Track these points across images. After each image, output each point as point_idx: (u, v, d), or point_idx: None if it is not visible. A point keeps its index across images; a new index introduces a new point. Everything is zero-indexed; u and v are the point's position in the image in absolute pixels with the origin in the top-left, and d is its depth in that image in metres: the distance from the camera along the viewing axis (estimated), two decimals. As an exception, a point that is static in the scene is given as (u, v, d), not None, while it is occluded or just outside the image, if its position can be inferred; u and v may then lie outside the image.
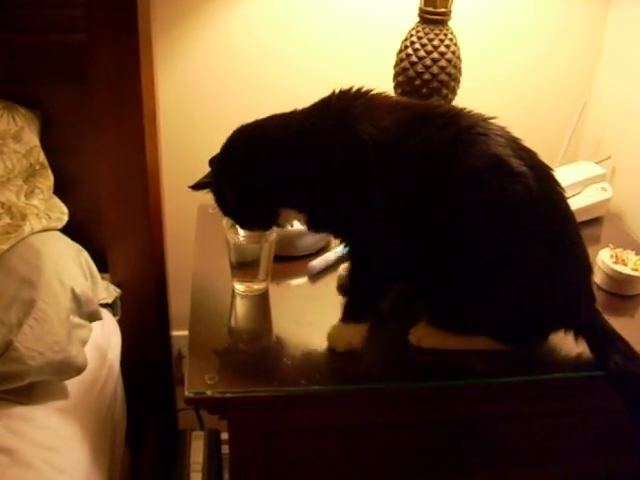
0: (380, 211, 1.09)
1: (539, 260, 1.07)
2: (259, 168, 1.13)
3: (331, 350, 1.17)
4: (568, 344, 1.15)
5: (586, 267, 1.13)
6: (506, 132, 1.11)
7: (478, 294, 1.09)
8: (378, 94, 1.15)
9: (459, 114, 1.12)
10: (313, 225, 1.17)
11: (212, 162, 1.19)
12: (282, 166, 1.12)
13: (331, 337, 1.17)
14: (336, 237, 1.20)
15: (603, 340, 1.12)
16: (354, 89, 1.14)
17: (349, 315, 1.17)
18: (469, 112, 1.13)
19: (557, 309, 1.12)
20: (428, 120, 1.09)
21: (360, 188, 1.09)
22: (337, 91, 1.14)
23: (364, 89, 1.14)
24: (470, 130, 1.08)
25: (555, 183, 1.12)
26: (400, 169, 1.08)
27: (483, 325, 1.15)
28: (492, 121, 1.12)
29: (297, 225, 1.27)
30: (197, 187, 1.18)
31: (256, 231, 1.22)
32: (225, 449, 1.71)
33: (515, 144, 1.10)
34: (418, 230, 1.09)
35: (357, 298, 1.18)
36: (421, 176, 1.07)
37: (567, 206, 1.12)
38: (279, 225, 1.20)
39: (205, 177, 1.18)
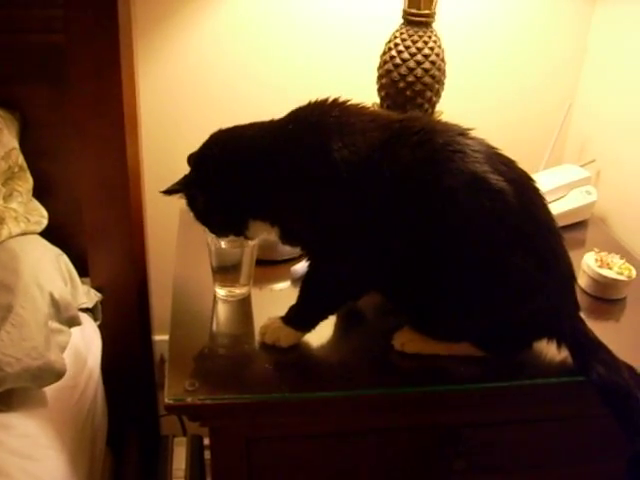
0: (353, 232, 1.08)
1: (521, 272, 1.05)
2: (231, 177, 1.12)
3: (314, 356, 1.17)
4: (551, 349, 1.15)
5: (569, 276, 1.12)
6: (484, 145, 1.09)
7: (459, 304, 1.08)
8: (354, 105, 1.13)
9: (435, 130, 1.09)
10: (286, 239, 1.16)
11: (190, 158, 1.17)
12: (254, 178, 1.11)
13: (263, 329, 1.17)
14: (306, 253, 1.18)
15: (586, 350, 1.11)
16: (330, 100, 1.12)
17: (291, 321, 1.16)
18: (446, 126, 1.11)
19: (539, 318, 1.11)
20: (402, 139, 1.07)
21: (332, 208, 1.08)
22: (312, 102, 1.13)
23: (340, 100, 1.12)
24: (446, 147, 1.05)
25: (535, 194, 1.10)
26: (374, 192, 1.06)
27: (465, 333, 1.14)
28: (471, 132, 1.10)
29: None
30: (169, 192, 1.16)
31: (226, 238, 1.21)
32: (208, 455, 1.70)
33: (494, 157, 1.08)
34: (395, 247, 1.07)
35: (306, 309, 1.17)
36: (397, 198, 1.06)
37: (549, 216, 1.11)
38: (247, 237, 1.19)
39: (177, 183, 1.17)
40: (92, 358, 1.44)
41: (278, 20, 1.56)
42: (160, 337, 1.71)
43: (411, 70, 1.38)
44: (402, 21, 1.41)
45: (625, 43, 1.56)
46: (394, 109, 1.41)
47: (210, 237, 1.23)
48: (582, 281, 1.35)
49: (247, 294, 1.29)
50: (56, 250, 1.47)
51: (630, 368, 1.09)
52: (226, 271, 1.26)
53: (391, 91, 1.42)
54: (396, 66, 1.39)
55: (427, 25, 1.39)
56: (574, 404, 1.19)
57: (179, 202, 1.19)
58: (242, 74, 1.59)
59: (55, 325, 1.32)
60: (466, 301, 1.07)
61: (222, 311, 1.27)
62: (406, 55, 1.38)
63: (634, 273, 1.33)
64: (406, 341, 1.16)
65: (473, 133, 1.10)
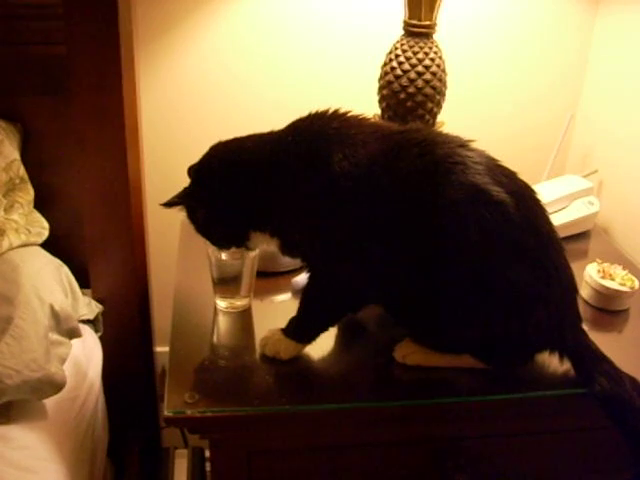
0: (353, 243, 1.08)
1: (522, 285, 1.05)
2: (231, 189, 1.12)
3: (315, 368, 1.16)
4: (554, 362, 1.14)
5: (571, 288, 1.12)
6: (485, 157, 1.08)
7: (460, 317, 1.07)
8: (355, 117, 1.13)
9: (435, 141, 1.08)
10: (286, 250, 1.16)
11: (190, 170, 1.17)
12: (254, 189, 1.11)
13: (263, 341, 1.17)
14: (306, 264, 1.17)
15: (588, 362, 1.10)
16: (330, 111, 1.12)
17: (291, 333, 1.15)
18: (446, 138, 1.10)
19: (541, 331, 1.10)
20: (403, 150, 1.06)
21: (331, 220, 1.08)
22: (313, 113, 1.13)
23: (340, 111, 1.12)
24: (447, 159, 1.05)
25: (537, 205, 1.10)
26: (374, 203, 1.06)
27: (466, 345, 1.13)
28: (472, 144, 1.09)
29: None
30: (169, 205, 1.17)
31: (227, 249, 1.21)
32: (209, 467, 1.69)
33: (495, 169, 1.07)
34: (395, 259, 1.07)
35: (306, 321, 1.16)
36: (398, 210, 1.05)
37: (550, 228, 1.10)
38: (248, 248, 1.19)
39: (177, 196, 1.17)
40: (93, 370, 1.43)
41: (278, 32, 1.56)
42: (161, 349, 1.71)
43: (412, 81, 1.38)
44: (403, 32, 1.40)
45: (627, 54, 1.56)
46: (395, 120, 1.41)
47: (211, 249, 1.22)
48: (584, 292, 1.34)
49: (248, 306, 1.29)
50: (57, 261, 1.47)
51: (633, 380, 1.08)
52: (227, 283, 1.26)
53: (392, 102, 1.41)
54: (397, 77, 1.39)
55: (428, 36, 1.39)
56: (576, 416, 1.18)
57: (180, 213, 1.19)
58: (242, 86, 1.60)
59: (55, 337, 1.31)
60: (467, 313, 1.07)
61: (223, 323, 1.27)
62: (407, 66, 1.38)
63: (637, 284, 1.33)
64: (407, 353, 1.16)
65: (474, 145, 1.10)
